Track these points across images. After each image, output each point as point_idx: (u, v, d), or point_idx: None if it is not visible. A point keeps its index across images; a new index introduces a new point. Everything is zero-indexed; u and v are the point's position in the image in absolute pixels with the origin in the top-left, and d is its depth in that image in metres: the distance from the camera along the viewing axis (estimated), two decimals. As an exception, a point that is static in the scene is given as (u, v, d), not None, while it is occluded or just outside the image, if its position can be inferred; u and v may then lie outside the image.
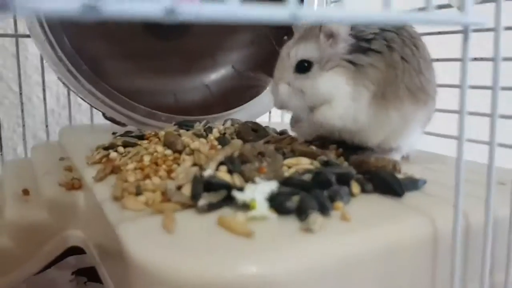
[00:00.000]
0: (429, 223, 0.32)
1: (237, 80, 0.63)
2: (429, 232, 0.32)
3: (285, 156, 0.40)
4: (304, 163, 0.39)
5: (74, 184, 0.44)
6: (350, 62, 0.41)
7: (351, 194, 0.35)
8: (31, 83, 0.79)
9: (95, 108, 0.53)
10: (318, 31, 0.42)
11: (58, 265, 0.60)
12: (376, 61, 0.41)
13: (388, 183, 0.35)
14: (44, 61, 0.58)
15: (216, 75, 0.64)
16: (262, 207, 0.32)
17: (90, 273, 0.61)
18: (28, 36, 0.56)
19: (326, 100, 0.42)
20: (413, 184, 0.37)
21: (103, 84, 0.50)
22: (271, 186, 0.33)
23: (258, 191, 0.33)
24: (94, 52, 0.55)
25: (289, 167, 0.39)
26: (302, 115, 0.44)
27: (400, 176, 0.37)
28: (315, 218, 0.30)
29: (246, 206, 0.32)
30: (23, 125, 0.62)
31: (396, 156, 0.45)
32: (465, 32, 0.29)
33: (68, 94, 0.65)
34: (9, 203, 0.45)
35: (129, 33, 0.59)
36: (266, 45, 0.65)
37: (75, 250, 0.56)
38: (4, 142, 0.72)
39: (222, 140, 0.45)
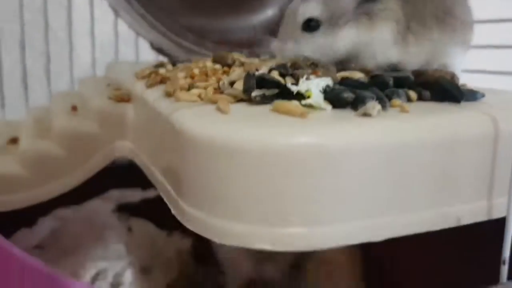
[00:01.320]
0: (490, 121, 0.31)
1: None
2: (490, 130, 0.30)
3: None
4: (359, 76, 0.38)
5: (124, 97, 0.45)
6: (363, 14, 0.41)
7: (408, 99, 0.34)
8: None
9: (144, 37, 0.54)
10: None
11: (101, 196, 0.61)
12: (389, 3, 0.40)
13: (446, 89, 0.34)
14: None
15: (263, 16, 0.64)
16: (317, 97, 0.31)
17: (132, 208, 0.62)
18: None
19: (351, 54, 0.41)
20: (472, 94, 0.35)
21: (154, 7, 0.50)
22: (327, 81, 0.33)
23: (314, 84, 0.32)
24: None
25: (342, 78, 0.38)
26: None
27: (458, 85, 0.36)
28: (373, 104, 0.29)
29: (300, 96, 0.31)
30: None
31: None
32: None
33: (115, 31, 0.65)
34: (58, 116, 0.46)
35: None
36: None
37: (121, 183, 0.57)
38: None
39: (270, 56, 0.45)
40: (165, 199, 0.34)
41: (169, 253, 0.61)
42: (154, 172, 0.37)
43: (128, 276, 0.52)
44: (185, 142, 0.28)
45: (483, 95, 0.36)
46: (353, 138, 0.27)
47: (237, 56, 0.45)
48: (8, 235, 0.53)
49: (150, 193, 0.62)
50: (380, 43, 0.41)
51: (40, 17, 0.73)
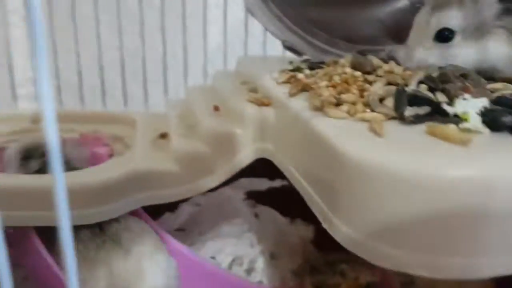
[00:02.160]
0: None
1: (412, 14, 0.60)
2: None
3: (487, 79, 0.38)
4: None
5: (264, 101, 0.47)
6: (501, 27, 0.39)
7: None
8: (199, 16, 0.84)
9: (277, 36, 0.56)
10: None
11: (232, 184, 0.66)
12: None
13: None
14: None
15: (391, 9, 0.62)
16: (475, 120, 0.31)
17: (259, 196, 0.66)
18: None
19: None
20: None
21: (290, 9, 0.52)
22: (483, 102, 0.32)
23: (470, 105, 0.32)
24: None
25: (493, 92, 0.37)
26: None
27: None
28: (540, 133, 0.28)
29: (457, 119, 0.31)
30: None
31: None
32: None
33: (245, 25, 0.68)
34: (203, 116, 0.51)
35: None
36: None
37: (248, 173, 0.60)
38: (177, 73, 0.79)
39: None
40: (310, 206, 0.36)
41: (294, 240, 0.64)
42: (299, 179, 0.39)
43: (260, 263, 0.56)
44: (344, 164, 0.30)
45: None
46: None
47: (375, 61, 0.45)
48: (153, 218, 0.60)
49: (276, 183, 0.65)
50: None
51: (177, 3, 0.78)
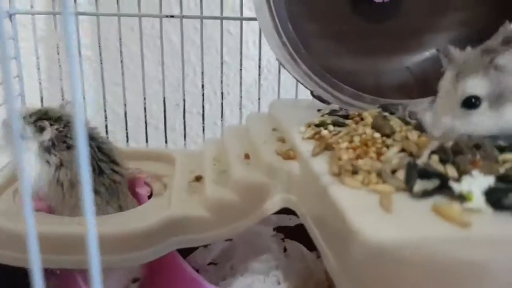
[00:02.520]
0: None
1: (441, 64, 0.63)
2: None
3: (502, 149, 0.40)
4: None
5: (290, 155, 0.51)
6: None
7: None
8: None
9: (306, 87, 0.59)
10: (485, 62, 0.41)
11: (262, 220, 0.70)
12: None
13: None
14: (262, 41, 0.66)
15: (419, 58, 0.65)
16: (478, 200, 0.33)
17: (288, 231, 0.69)
18: (251, 19, 0.64)
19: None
20: None
21: (317, 65, 0.55)
22: (489, 180, 0.35)
23: (476, 184, 0.34)
24: (308, 34, 0.60)
25: (505, 162, 0.39)
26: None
27: None
28: (536, 218, 0.31)
29: (462, 197, 0.34)
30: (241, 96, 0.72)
31: None
32: None
33: (279, 71, 0.72)
34: (235, 164, 0.55)
35: (338, 15, 0.63)
36: (476, 27, 0.63)
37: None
38: (216, 109, 0.84)
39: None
40: (323, 259, 0.40)
41: (320, 275, 0.67)
42: (316, 234, 0.43)
43: (286, 300, 0.59)
44: (353, 238, 0.33)
45: None
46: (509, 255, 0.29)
47: (394, 121, 0.48)
48: (189, 252, 0.65)
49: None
50: None
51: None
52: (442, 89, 0.45)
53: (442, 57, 0.47)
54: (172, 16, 0.68)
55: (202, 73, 0.72)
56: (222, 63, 0.72)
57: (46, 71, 0.83)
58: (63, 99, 0.71)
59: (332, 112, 0.57)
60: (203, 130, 0.75)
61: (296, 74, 0.57)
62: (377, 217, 0.33)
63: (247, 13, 0.74)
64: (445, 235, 0.31)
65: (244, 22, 0.72)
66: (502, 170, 0.37)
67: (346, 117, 0.54)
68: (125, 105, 0.76)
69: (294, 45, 0.55)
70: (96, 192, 0.52)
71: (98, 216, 0.51)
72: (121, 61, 0.72)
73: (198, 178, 0.59)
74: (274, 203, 0.51)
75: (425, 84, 0.63)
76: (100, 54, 0.72)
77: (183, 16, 0.67)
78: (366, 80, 0.63)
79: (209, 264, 0.65)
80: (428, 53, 0.65)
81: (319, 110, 0.61)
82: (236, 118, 0.80)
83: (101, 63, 0.73)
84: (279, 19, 0.53)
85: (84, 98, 0.74)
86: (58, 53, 0.72)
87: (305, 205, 0.47)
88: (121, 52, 0.71)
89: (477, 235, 0.31)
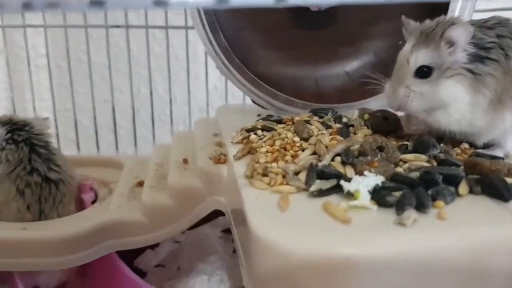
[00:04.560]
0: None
1: (378, 69, 0.65)
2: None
3: (406, 150, 0.43)
4: (422, 159, 0.42)
5: (221, 159, 0.53)
6: (469, 70, 0.43)
7: (458, 194, 0.37)
8: (200, 62, 0.91)
9: (246, 94, 0.62)
10: (437, 36, 0.43)
11: (210, 223, 0.72)
12: (494, 70, 0.43)
13: (496, 186, 0.36)
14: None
15: (357, 63, 0.67)
16: (364, 198, 0.36)
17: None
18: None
19: (444, 105, 0.44)
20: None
21: (250, 74, 0.58)
22: (377, 180, 0.37)
23: (364, 183, 0.37)
24: (244, 43, 0.62)
25: (405, 162, 0.42)
26: (419, 116, 0.46)
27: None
28: (410, 214, 0.33)
29: (350, 195, 0.36)
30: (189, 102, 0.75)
31: (499, 153, 0.46)
32: None
33: (226, 79, 0.75)
34: (173, 169, 0.57)
35: (276, 24, 0.65)
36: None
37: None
38: (177, 114, 0.86)
39: (344, 131, 0.49)
40: (238, 256, 0.42)
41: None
42: (234, 234, 0.45)
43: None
44: (250, 234, 0.35)
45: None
46: (384, 250, 0.31)
47: (315, 125, 0.50)
48: (136, 255, 0.67)
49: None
50: (475, 105, 0.44)
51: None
52: (399, 61, 0.47)
53: (403, 29, 0.49)
54: (117, 26, 0.70)
55: (150, 79, 0.74)
56: (169, 70, 0.74)
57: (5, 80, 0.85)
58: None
59: (267, 117, 0.59)
60: (153, 136, 0.77)
61: (232, 82, 0.60)
62: (271, 215, 0.36)
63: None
64: (325, 229, 0.33)
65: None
66: (399, 169, 0.40)
67: (280, 121, 0.57)
68: (74, 113, 0.77)
69: (227, 55, 0.57)
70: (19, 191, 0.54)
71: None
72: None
73: (141, 183, 0.61)
74: (206, 206, 0.53)
75: (362, 88, 0.66)
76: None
77: (128, 26, 0.70)
78: (306, 85, 0.66)
79: (157, 266, 0.67)
80: (366, 58, 0.67)
81: (258, 115, 0.64)
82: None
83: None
84: (210, 29, 0.56)
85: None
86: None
87: (229, 206, 0.49)
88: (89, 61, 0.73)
89: (356, 230, 0.33)
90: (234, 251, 0.71)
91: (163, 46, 0.90)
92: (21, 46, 0.89)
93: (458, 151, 0.45)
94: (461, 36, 0.42)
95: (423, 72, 0.44)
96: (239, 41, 0.62)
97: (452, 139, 0.47)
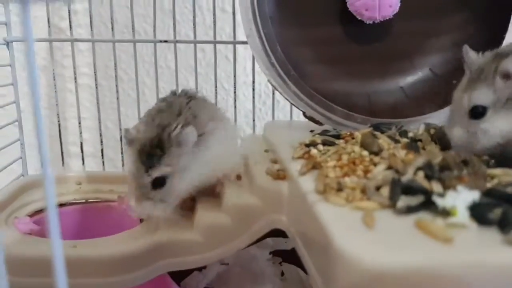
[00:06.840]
0: None
1: (434, 84, 0.62)
2: None
3: (489, 165, 0.40)
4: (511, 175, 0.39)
5: (280, 175, 0.50)
6: None
7: None
8: (239, 82, 0.90)
9: (298, 108, 0.59)
10: (491, 70, 0.41)
11: (258, 244, 0.69)
12: None
13: None
14: (256, 65, 0.67)
15: (412, 78, 0.65)
16: (462, 215, 0.33)
17: (284, 255, 0.68)
18: (244, 42, 0.65)
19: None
20: None
21: (307, 87, 0.55)
22: (473, 195, 0.34)
23: (460, 199, 0.33)
24: (299, 58, 0.60)
25: (493, 178, 0.38)
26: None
27: None
28: (520, 232, 0.30)
29: (445, 213, 0.33)
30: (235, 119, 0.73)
31: None
32: None
33: (273, 94, 0.72)
34: (226, 185, 0.54)
35: (330, 39, 0.63)
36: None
37: (274, 233, 0.63)
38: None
39: (414, 146, 0.46)
40: (310, 276, 0.39)
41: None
42: (304, 255, 0.42)
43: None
44: (335, 254, 0.32)
45: None
46: (494, 271, 0.28)
47: (383, 140, 0.47)
48: (183, 277, 0.64)
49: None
50: None
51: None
52: (455, 99, 0.45)
53: (462, 60, 0.47)
54: (165, 41, 0.69)
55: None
56: (216, 87, 0.72)
57: (45, 98, 0.84)
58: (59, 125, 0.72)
59: (323, 133, 0.57)
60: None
61: (286, 95, 0.58)
62: (359, 234, 0.33)
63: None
64: (426, 249, 0.30)
65: (242, 46, 0.73)
66: (489, 185, 0.37)
67: (338, 137, 0.54)
68: (120, 129, 0.76)
69: (284, 67, 0.55)
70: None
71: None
72: (116, 85, 0.73)
73: (192, 200, 0.58)
74: (264, 225, 0.50)
75: (418, 103, 0.63)
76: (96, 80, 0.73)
77: (177, 41, 0.68)
78: (359, 100, 0.63)
79: (204, 288, 0.64)
80: (421, 73, 0.65)
81: (311, 131, 0.61)
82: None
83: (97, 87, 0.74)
84: (267, 42, 0.54)
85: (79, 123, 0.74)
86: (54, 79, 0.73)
87: (294, 225, 0.46)
88: (116, 76, 0.72)
89: (460, 250, 0.30)
90: (283, 273, 0.68)
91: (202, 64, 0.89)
92: (61, 64, 0.89)
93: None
94: None
95: (478, 113, 0.42)
96: (291, 55, 0.60)
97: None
